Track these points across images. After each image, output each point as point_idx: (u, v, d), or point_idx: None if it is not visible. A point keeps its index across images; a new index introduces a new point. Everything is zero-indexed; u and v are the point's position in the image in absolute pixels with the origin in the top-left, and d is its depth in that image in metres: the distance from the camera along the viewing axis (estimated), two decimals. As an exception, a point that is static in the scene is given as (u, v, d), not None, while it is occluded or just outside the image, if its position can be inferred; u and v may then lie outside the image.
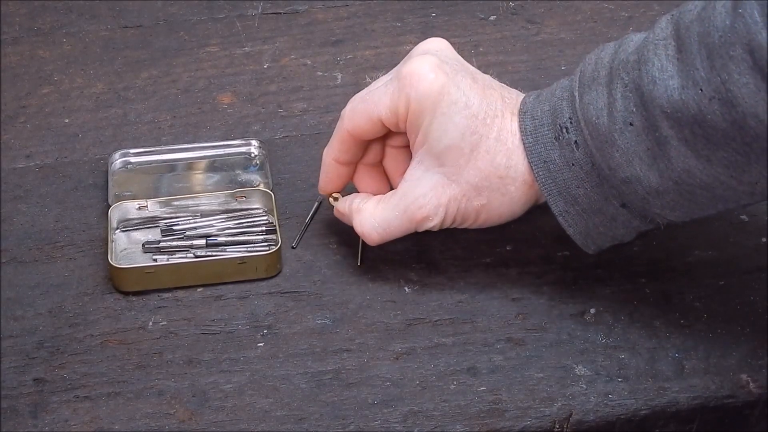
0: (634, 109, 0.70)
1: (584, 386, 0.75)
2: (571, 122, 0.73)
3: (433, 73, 0.75)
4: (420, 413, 0.73)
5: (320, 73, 1.01)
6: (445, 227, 0.79)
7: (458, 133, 0.75)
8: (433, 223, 0.78)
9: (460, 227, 0.79)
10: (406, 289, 0.81)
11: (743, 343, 0.77)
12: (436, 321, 0.79)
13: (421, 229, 0.78)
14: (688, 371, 0.76)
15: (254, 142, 0.91)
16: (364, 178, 0.83)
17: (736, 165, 0.68)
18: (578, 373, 0.76)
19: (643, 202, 0.73)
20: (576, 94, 0.73)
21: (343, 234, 0.85)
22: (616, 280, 0.82)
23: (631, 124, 0.70)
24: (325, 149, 0.82)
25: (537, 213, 0.86)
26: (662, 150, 0.70)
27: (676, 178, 0.70)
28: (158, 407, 0.73)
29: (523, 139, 0.75)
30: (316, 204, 0.87)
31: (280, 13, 1.08)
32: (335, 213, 0.82)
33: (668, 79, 0.68)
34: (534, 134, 0.75)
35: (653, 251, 0.83)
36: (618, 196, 0.74)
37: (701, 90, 0.67)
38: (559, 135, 0.74)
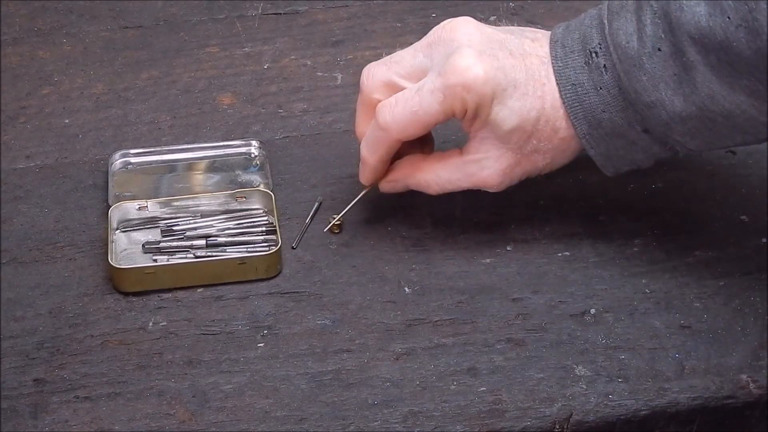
0: (662, 35, 0.73)
1: (584, 387, 0.75)
2: (600, 47, 0.76)
3: (480, 70, 0.76)
4: (420, 414, 0.73)
5: (320, 74, 1.01)
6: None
7: (517, 117, 0.77)
8: (498, 189, 0.81)
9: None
10: (406, 289, 0.81)
11: (743, 344, 0.77)
12: (436, 321, 0.79)
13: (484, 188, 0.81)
14: (689, 371, 0.76)
15: (254, 143, 0.91)
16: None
17: (758, 94, 0.71)
18: (578, 373, 0.76)
19: (666, 128, 0.75)
20: (605, 21, 0.76)
21: (343, 234, 0.85)
22: (616, 280, 0.82)
23: (659, 50, 0.73)
24: (368, 152, 0.81)
25: (537, 213, 0.86)
26: (688, 75, 0.72)
27: (699, 103, 0.73)
28: (158, 408, 0.74)
29: (553, 64, 0.77)
30: (316, 204, 0.87)
31: (280, 14, 1.08)
32: (384, 187, 0.83)
33: (695, 6, 0.71)
34: (564, 59, 0.77)
35: (653, 251, 0.83)
36: (641, 121, 0.76)
37: (728, 18, 0.69)
38: (588, 60, 0.76)
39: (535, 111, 0.77)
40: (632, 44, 0.74)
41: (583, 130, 0.78)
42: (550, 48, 0.78)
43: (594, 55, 0.76)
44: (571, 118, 0.77)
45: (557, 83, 0.77)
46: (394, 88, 0.79)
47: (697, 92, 0.73)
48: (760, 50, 0.69)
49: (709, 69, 0.71)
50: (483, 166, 0.80)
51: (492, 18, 1.06)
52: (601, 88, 0.76)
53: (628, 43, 0.74)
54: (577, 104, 0.77)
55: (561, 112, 0.78)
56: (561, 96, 0.77)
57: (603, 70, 0.75)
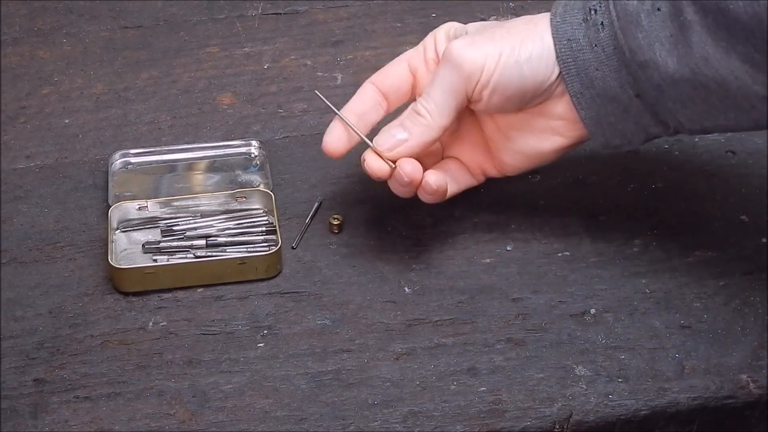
0: None
1: (584, 387, 0.75)
2: (600, 5, 0.76)
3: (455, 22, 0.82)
4: (420, 414, 0.73)
5: (320, 74, 1.01)
6: (489, 85, 0.77)
7: (479, 23, 0.81)
8: (466, 61, 0.77)
9: (503, 104, 0.78)
10: (406, 289, 0.81)
11: (743, 343, 0.77)
12: (436, 321, 0.79)
13: (470, 86, 0.77)
14: (688, 371, 0.76)
15: (254, 143, 0.91)
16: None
17: (752, 61, 0.71)
18: (578, 373, 0.76)
19: (657, 91, 0.75)
20: None
21: (343, 234, 0.85)
22: (616, 280, 0.82)
23: (658, 9, 0.73)
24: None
25: (537, 212, 0.86)
26: (684, 35, 0.73)
27: (693, 66, 0.73)
28: (158, 408, 0.74)
29: (551, 20, 0.78)
30: (316, 204, 0.87)
31: (280, 14, 1.08)
32: (378, 142, 0.79)
33: None
34: (563, 15, 0.78)
35: (653, 251, 0.84)
36: (634, 84, 0.76)
37: None
38: (587, 17, 0.77)
39: (506, 21, 0.80)
40: (632, 1, 0.74)
41: (575, 89, 0.77)
42: (552, 8, 0.79)
43: (593, 12, 0.76)
44: (564, 74, 0.77)
45: (553, 38, 0.77)
46: None
47: (692, 53, 0.73)
48: (757, 15, 0.69)
49: (705, 30, 0.72)
50: (460, 45, 0.77)
51: (492, 18, 1.06)
52: (596, 45, 0.76)
53: (629, 1, 0.75)
54: (571, 60, 0.77)
55: (538, 17, 0.78)
56: (556, 51, 0.77)
57: (600, 27, 0.76)
